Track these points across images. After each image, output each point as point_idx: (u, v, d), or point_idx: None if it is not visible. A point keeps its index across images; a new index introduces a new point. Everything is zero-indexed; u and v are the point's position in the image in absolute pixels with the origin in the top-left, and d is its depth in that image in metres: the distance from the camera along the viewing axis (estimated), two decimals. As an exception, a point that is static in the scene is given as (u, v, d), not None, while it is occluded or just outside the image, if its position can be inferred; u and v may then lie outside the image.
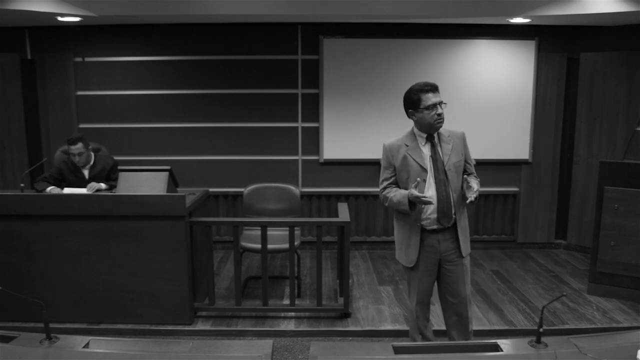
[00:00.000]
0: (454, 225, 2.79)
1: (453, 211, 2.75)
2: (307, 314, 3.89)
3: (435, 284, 2.93)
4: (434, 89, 2.72)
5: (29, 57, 5.17)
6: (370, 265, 5.00)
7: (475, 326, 3.22)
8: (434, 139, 2.78)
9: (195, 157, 5.34)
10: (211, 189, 5.04)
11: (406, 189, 2.74)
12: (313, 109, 5.27)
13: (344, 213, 3.95)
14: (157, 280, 3.64)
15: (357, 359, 1.94)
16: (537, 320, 2.02)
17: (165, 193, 3.65)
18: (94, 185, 3.98)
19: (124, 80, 5.22)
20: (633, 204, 3.93)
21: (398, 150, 2.80)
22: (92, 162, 4.16)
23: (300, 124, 5.31)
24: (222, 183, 5.37)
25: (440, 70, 5.16)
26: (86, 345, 2.00)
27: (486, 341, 2.07)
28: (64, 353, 1.94)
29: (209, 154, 5.34)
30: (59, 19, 4.50)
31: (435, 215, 2.74)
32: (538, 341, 1.99)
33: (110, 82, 5.22)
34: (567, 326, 3.66)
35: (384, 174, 2.86)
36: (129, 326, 3.67)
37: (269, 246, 3.83)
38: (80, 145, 4.00)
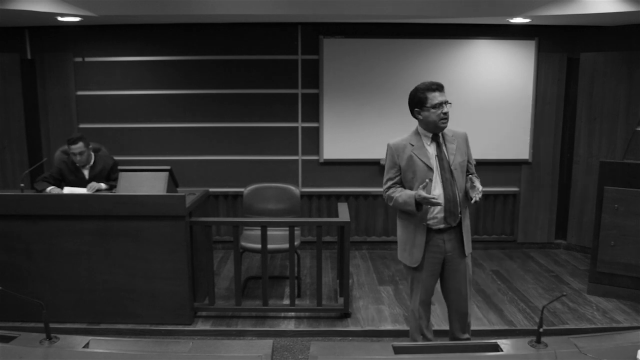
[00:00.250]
0: (459, 225, 2.80)
1: (459, 210, 2.77)
2: (307, 314, 3.89)
3: (437, 282, 2.94)
4: (440, 88, 2.73)
5: (29, 57, 5.17)
6: (370, 265, 5.00)
7: (475, 326, 3.23)
8: (439, 138, 2.78)
9: (195, 157, 5.34)
10: (211, 189, 5.04)
11: (411, 188, 2.75)
12: (313, 109, 5.27)
13: (344, 213, 3.95)
14: (157, 280, 3.64)
15: (357, 359, 1.94)
16: (537, 320, 2.02)
17: (165, 193, 3.65)
18: (94, 185, 3.99)
19: (124, 80, 5.22)
20: (633, 204, 3.93)
21: (403, 149, 2.80)
22: (92, 162, 4.17)
23: (300, 124, 5.32)
24: (222, 183, 5.37)
25: (440, 70, 5.16)
26: (86, 345, 2.00)
27: (486, 341, 2.07)
28: (64, 353, 1.94)
29: (209, 154, 5.34)
30: (59, 19, 4.50)
31: (442, 215, 2.75)
32: (538, 341, 1.99)
33: (110, 82, 5.22)
34: (567, 326, 3.66)
35: (389, 173, 2.85)
36: (129, 326, 3.67)
37: (269, 246, 3.83)
38: (80, 144, 4.00)
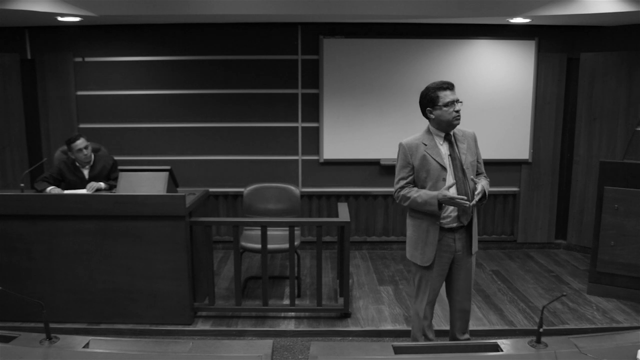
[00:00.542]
0: (469, 224, 2.84)
1: (471, 209, 2.79)
2: (307, 314, 3.89)
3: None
4: (450, 86, 2.76)
5: (29, 57, 5.17)
6: (370, 265, 5.00)
7: (475, 326, 3.23)
8: (451, 137, 2.80)
9: (195, 157, 5.34)
10: (211, 189, 5.04)
11: (424, 188, 2.77)
12: (313, 109, 5.27)
13: (344, 213, 3.95)
14: (157, 280, 3.64)
15: (357, 359, 1.94)
16: (537, 320, 2.02)
17: (165, 193, 3.65)
18: (93, 185, 3.99)
19: (124, 80, 5.22)
20: (633, 204, 3.93)
21: (416, 149, 2.80)
22: (92, 162, 4.17)
23: (300, 124, 5.31)
24: (222, 183, 5.37)
25: (440, 70, 5.16)
26: (86, 345, 2.00)
27: (486, 341, 2.07)
28: (64, 353, 1.94)
29: (209, 154, 5.34)
30: (59, 19, 4.50)
31: (455, 214, 2.77)
32: (538, 341, 1.99)
33: (110, 82, 5.22)
34: (567, 326, 3.66)
35: (401, 172, 2.84)
36: (129, 326, 3.67)
37: (269, 246, 3.83)
38: (82, 139, 4.06)
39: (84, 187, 3.99)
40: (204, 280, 3.89)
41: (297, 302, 3.99)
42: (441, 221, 2.78)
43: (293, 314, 3.88)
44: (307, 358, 3.29)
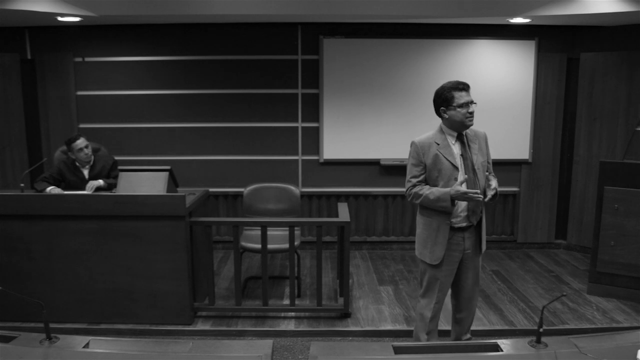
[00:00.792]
0: (478, 223, 2.85)
1: (481, 209, 2.81)
2: (307, 314, 3.89)
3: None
4: (466, 87, 2.76)
5: (29, 57, 5.17)
6: (370, 265, 5.00)
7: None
8: (463, 137, 2.81)
9: (195, 157, 5.34)
10: (211, 189, 5.04)
11: (436, 187, 2.78)
12: (313, 109, 5.27)
13: (344, 213, 3.95)
14: (157, 280, 3.64)
15: (357, 359, 1.94)
16: (537, 320, 2.02)
17: (165, 193, 3.65)
18: (92, 183, 3.98)
19: (124, 80, 5.22)
20: (633, 204, 3.93)
21: (429, 148, 2.80)
22: (92, 162, 4.17)
23: (300, 124, 5.31)
24: (222, 183, 5.37)
25: (440, 70, 5.16)
26: (86, 345, 2.00)
27: (486, 341, 2.07)
28: (64, 353, 1.94)
29: (209, 154, 5.34)
30: (59, 19, 4.50)
31: (465, 213, 2.79)
32: (538, 341, 1.99)
33: (110, 82, 5.22)
34: (567, 326, 3.66)
35: (413, 171, 2.85)
36: (129, 326, 3.67)
37: (269, 246, 3.83)
38: (83, 139, 4.07)
39: (84, 188, 3.99)
40: (204, 280, 3.89)
41: (297, 302, 3.99)
42: (451, 220, 2.79)
43: (293, 314, 3.88)
44: (307, 358, 3.29)
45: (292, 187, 4.47)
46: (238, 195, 5.29)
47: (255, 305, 3.90)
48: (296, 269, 4.05)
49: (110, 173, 4.18)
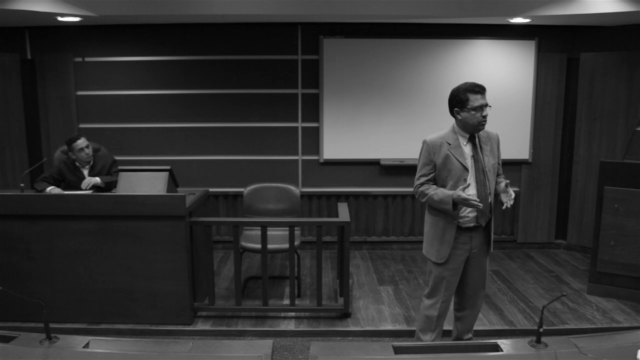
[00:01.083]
0: (488, 224, 2.87)
1: (490, 211, 2.83)
2: (307, 314, 3.88)
3: None
4: (482, 90, 2.76)
5: (29, 57, 5.17)
6: (370, 265, 5.00)
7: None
8: (475, 139, 2.81)
9: (195, 157, 5.34)
10: (211, 189, 5.04)
11: (444, 186, 2.80)
12: (313, 109, 5.27)
13: (344, 213, 3.95)
14: (157, 280, 3.64)
15: (357, 359, 1.94)
16: (537, 320, 2.02)
17: (165, 193, 3.65)
18: (89, 180, 3.98)
19: (124, 80, 5.22)
20: (633, 204, 3.92)
21: (440, 147, 2.81)
22: (92, 163, 4.17)
23: (300, 124, 5.31)
24: (222, 183, 5.37)
25: (440, 70, 5.16)
26: (86, 345, 2.00)
27: (486, 341, 2.07)
28: (64, 353, 1.94)
29: (209, 154, 5.34)
30: (59, 19, 4.50)
31: (473, 214, 2.80)
32: (538, 341, 1.99)
33: (110, 82, 5.21)
34: (567, 326, 3.66)
35: (423, 169, 2.86)
36: (129, 326, 3.67)
37: (269, 246, 3.83)
38: (83, 139, 4.07)
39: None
40: (204, 280, 3.89)
41: (297, 302, 3.99)
42: (459, 220, 2.80)
43: (293, 314, 3.88)
44: (307, 358, 3.29)
45: (292, 187, 4.47)
46: (238, 195, 5.29)
47: (255, 305, 3.90)
48: (296, 269, 4.05)
49: (109, 170, 4.19)
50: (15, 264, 3.63)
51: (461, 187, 2.69)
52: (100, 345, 2.02)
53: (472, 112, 2.72)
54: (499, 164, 2.93)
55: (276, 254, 5.00)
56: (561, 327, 3.65)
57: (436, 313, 2.95)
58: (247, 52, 5.18)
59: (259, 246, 3.80)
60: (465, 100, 2.73)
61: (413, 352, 2.01)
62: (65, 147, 4.18)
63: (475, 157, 2.80)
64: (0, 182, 5.26)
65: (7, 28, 5.05)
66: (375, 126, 5.25)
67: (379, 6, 4.27)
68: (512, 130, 5.26)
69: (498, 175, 2.93)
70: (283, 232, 4.16)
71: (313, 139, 5.32)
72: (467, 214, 2.80)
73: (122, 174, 3.76)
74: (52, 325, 2.06)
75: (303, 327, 3.70)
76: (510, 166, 5.35)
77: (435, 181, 2.85)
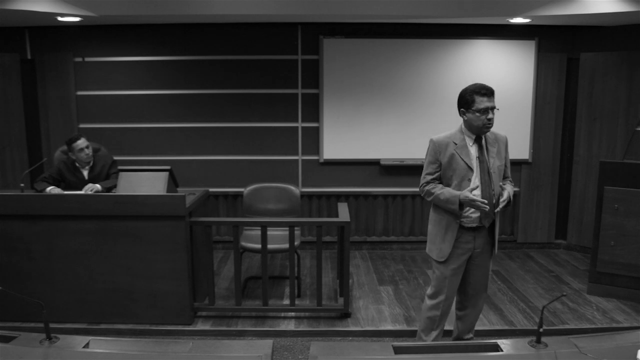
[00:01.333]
0: (492, 225, 2.87)
1: (494, 212, 2.83)
2: (307, 314, 3.89)
3: None
4: (489, 93, 2.76)
5: (29, 57, 5.17)
6: (370, 265, 5.00)
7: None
8: (482, 140, 2.82)
9: (195, 157, 5.34)
10: (211, 189, 5.04)
11: (449, 186, 2.81)
12: (313, 109, 5.27)
13: (344, 213, 3.95)
14: (157, 280, 3.64)
15: (357, 359, 1.94)
16: (537, 320, 2.02)
17: (165, 193, 3.65)
18: (90, 187, 3.98)
19: (124, 80, 5.22)
20: (633, 204, 3.92)
21: (446, 147, 2.82)
22: (92, 163, 4.17)
23: (300, 124, 5.31)
24: (222, 183, 5.37)
25: (440, 70, 5.16)
26: (86, 345, 2.00)
27: (486, 341, 2.07)
28: (64, 353, 1.94)
29: (209, 154, 5.34)
30: (59, 19, 4.50)
31: (476, 215, 2.81)
32: (538, 341, 1.99)
33: (110, 82, 5.22)
34: (567, 326, 3.66)
35: (429, 168, 2.87)
36: (129, 326, 3.67)
37: (269, 246, 3.83)
38: (83, 139, 4.07)
39: (82, 188, 3.99)
40: (204, 280, 3.89)
41: (297, 302, 3.99)
42: (462, 220, 2.80)
43: (293, 314, 3.88)
44: (307, 358, 3.29)
45: (292, 187, 4.47)
46: (238, 195, 5.29)
47: (255, 305, 3.90)
48: (296, 269, 4.05)
49: (109, 171, 4.18)
50: (15, 264, 3.63)
51: (469, 188, 2.70)
52: (100, 345, 2.02)
53: (477, 114, 2.73)
54: (506, 166, 2.94)
55: (276, 254, 5.00)
56: (561, 327, 3.65)
57: (439, 313, 2.96)
58: (247, 52, 5.18)
59: (259, 246, 3.80)
60: (471, 102, 2.74)
61: (413, 352, 2.01)
62: (65, 147, 4.18)
63: (480, 158, 2.80)
64: (0, 182, 5.26)
65: (7, 28, 5.05)
66: (375, 126, 5.25)
67: (379, 6, 4.27)
68: (512, 130, 5.24)
69: (505, 177, 2.94)
70: (283, 232, 4.16)
71: (313, 139, 5.32)
72: (470, 214, 2.81)
73: (122, 174, 3.76)
74: (52, 325, 2.06)
75: (303, 327, 3.70)
76: (510, 166, 5.34)
77: (441, 180, 2.86)
